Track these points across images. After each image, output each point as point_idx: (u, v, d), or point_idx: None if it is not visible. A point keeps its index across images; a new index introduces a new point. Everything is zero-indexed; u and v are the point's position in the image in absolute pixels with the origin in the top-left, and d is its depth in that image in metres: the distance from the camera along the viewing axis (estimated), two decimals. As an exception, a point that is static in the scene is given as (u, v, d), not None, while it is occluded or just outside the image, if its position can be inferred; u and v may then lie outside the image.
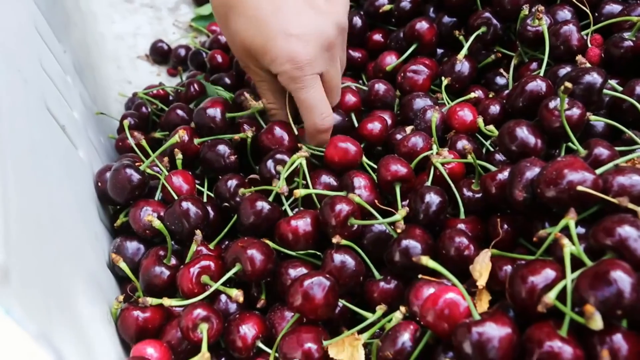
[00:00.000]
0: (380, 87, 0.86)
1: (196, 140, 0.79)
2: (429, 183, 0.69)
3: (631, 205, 0.50)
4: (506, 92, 0.77)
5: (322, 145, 0.76)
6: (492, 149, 0.74)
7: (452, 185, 0.67)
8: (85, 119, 0.87)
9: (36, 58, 0.71)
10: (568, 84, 0.56)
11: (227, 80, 1.05)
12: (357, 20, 0.98)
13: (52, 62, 0.78)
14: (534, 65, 0.79)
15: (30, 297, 0.43)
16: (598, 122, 0.64)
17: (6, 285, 0.39)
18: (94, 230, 0.71)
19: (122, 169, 0.72)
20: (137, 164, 0.75)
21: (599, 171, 0.54)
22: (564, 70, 0.72)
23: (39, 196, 0.54)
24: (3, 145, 0.49)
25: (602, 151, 0.57)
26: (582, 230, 0.55)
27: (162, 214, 0.71)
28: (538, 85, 0.66)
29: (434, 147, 0.71)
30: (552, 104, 0.61)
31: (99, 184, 0.75)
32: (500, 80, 0.83)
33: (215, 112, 0.78)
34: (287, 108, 0.77)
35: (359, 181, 0.69)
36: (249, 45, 0.71)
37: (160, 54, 1.27)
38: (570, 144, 0.62)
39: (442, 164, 0.68)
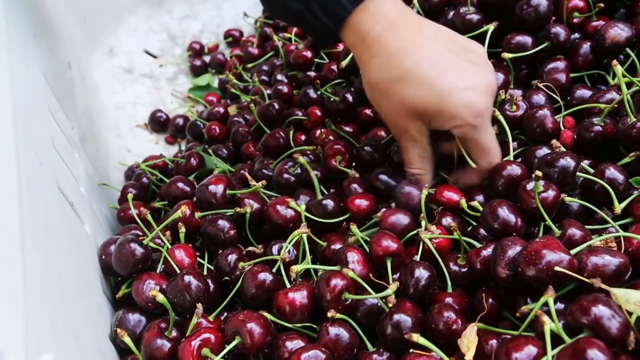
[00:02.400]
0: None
1: (197, 214, 0.84)
2: (418, 257, 0.73)
3: (603, 286, 0.54)
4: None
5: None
6: (475, 224, 0.79)
7: (439, 259, 0.71)
8: (90, 191, 0.91)
9: (49, 139, 0.76)
10: (539, 173, 0.62)
11: (225, 152, 1.11)
12: (349, 97, 1.05)
13: (62, 140, 0.83)
14: (515, 144, 0.85)
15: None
16: (573, 202, 0.69)
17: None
18: (97, 302, 0.74)
19: (127, 244, 0.76)
20: (140, 237, 0.78)
21: (574, 251, 0.59)
22: (541, 151, 0.78)
23: (49, 273, 0.58)
24: (23, 227, 0.53)
25: (575, 232, 0.63)
26: (561, 305, 0.59)
27: (164, 286, 0.74)
28: (514, 169, 0.73)
29: (423, 223, 0.76)
30: (529, 186, 0.67)
31: (103, 257, 0.79)
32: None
33: (216, 188, 0.83)
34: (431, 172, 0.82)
35: (353, 256, 0.72)
36: (423, 107, 0.75)
37: (158, 123, 1.33)
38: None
39: (430, 239, 0.73)
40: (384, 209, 0.80)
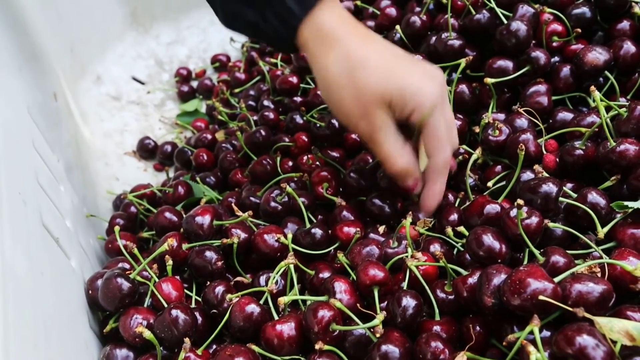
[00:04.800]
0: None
1: (184, 246, 0.83)
2: (405, 285, 0.73)
3: (587, 315, 0.55)
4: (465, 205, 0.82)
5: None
6: (461, 249, 0.79)
7: (426, 287, 0.71)
8: (76, 224, 0.91)
9: (33, 175, 0.76)
10: (520, 201, 0.62)
11: (213, 179, 1.11)
12: (335, 122, 1.06)
13: (47, 174, 0.83)
14: (499, 167, 0.85)
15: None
16: (556, 227, 0.70)
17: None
18: (84, 338, 0.74)
19: (113, 278, 0.75)
20: (126, 272, 0.78)
21: (558, 279, 0.60)
22: (525, 175, 0.79)
23: (33, 315, 0.57)
24: (5, 269, 0.53)
25: (558, 259, 0.63)
26: (547, 333, 0.59)
27: (151, 321, 0.74)
28: (493, 207, 0.75)
29: (409, 250, 0.76)
30: (512, 213, 0.67)
31: (90, 292, 0.78)
32: (470, 181, 0.89)
33: (203, 220, 0.83)
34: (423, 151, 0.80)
35: (340, 286, 0.72)
36: (384, 89, 0.75)
37: (147, 151, 1.33)
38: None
39: (417, 267, 0.73)
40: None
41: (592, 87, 0.75)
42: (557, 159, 0.81)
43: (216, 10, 0.83)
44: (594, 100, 0.88)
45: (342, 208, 0.88)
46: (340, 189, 0.94)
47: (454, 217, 0.80)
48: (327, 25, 0.76)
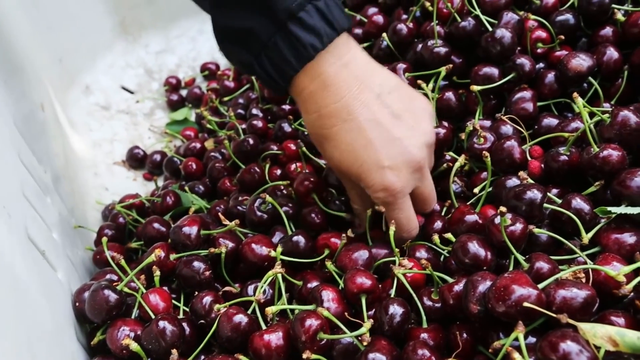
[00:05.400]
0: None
1: (172, 256, 0.83)
2: (392, 292, 0.73)
3: (571, 321, 0.55)
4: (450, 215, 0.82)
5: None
6: (447, 256, 0.79)
7: (413, 294, 0.71)
8: (64, 235, 0.90)
9: (19, 187, 0.75)
10: (503, 209, 0.63)
11: (201, 188, 1.11)
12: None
13: (33, 186, 0.83)
14: (485, 174, 0.86)
15: None
16: (541, 233, 0.70)
17: None
18: (71, 350, 0.74)
19: (100, 290, 0.75)
20: (114, 283, 0.78)
21: (542, 285, 0.60)
22: (511, 181, 0.79)
23: (17, 326, 0.57)
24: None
25: (542, 265, 0.63)
26: (533, 339, 0.59)
27: (139, 333, 0.74)
28: (474, 218, 0.77)
29: (396, 258, 0.76)
30: (497, 220, 0.68)
31: (77, 304, 0.78)
32: (455, 188, 0.90)
33: (190, 230, 0.83)
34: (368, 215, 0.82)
35: (327, 294, 0.72)
36: (345, 171, 0.78)
37: (136, 160, 1.33)
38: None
39: (404, 274, 0.73)
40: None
41: (575, 94, 0.75)
42: (542, 165, 0.81)
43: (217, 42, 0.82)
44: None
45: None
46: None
47: (439, 225, 0.81)
48: (308, 91, 0.75)
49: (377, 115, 0.75)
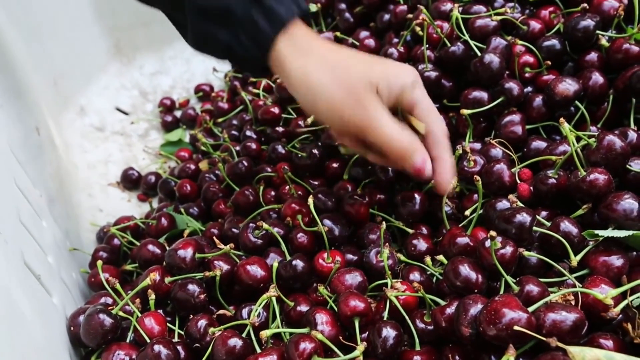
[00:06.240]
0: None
1: (167, 279, 0.84)
2: (385, 315, 0.74)
3: (560, 344, 0.56)
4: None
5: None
6: (440, 278, 0.80)
7: (406, 317, 0.72)
8: (59, 258, 0.90)
9: (15, 213, 0.76)
10: (493, 233, 0.64)
11: (196, 210, 1.12)
12: (316, 152, 1.07)
13: (29, 210, 0.83)
14: (475, 197, 0.87)
15: None
16: (531, 256, 0.72)
17: None
18: (66, 375, 0.74)
19: (95, 314, 0.75)
20: (109, 307, 0.78)
21: (532, 308, 0.61)
22: (501, 204, 0.81)
23: (12, 353, 0.57)
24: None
25: (532, 288, 0.65)
26: (524, 363, 0.61)
27: (134, 357, 0.74)
28: (465, 240, 0.78)
29: (388, 281, 0.77)
30: (487, 244, 0.69)
31: (72, 328, 0.78)
32: (447, 209, 0.91)
33: (185, 253, 0.83)
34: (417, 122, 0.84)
35: (321, 317, 0.73)
36: (374, 77, 0.79)
37: (130, 181, 1.34)
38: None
39: (397, 297, 0.74)
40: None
41: (562, 119, 0.77)
42: (531, 188, 0.83)
43: (184, 32, 0.85)
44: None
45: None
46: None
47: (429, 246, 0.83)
48: (300, 39, 0.81)
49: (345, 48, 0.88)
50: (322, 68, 0.80)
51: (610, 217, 0.71)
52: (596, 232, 0.70)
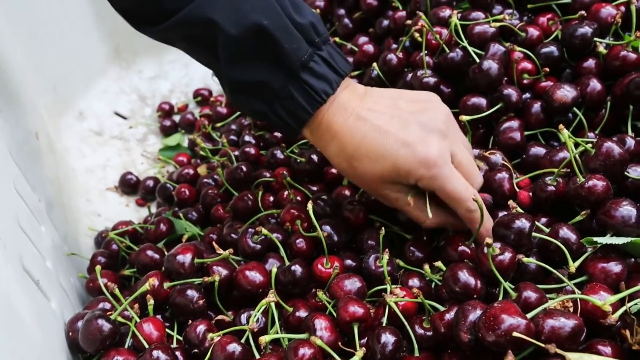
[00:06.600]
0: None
1: (166, 285, 0.84)
2: (384, 320, 0.74)
3: (559, 351, 0.56)
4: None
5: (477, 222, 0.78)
6: (439, 283, 0.81)
7: (405, 323, 0.72)
8: (57, 263, 0.90)
9: (14, 217, 0.76)
10: (489, 240, 0.66)
11: (195, 215, 1.12)
12: (314, 157, 1.08)
13: (28, 215, 0.83)
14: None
15: None
16: (530, 262, 0.72)
17: None
18: (64, 381, 0.74)
19: (94, 320, 0.75)
20: (107, 312, 0.78)
21: (531, 314, 0.61)
22: (501, 213, 0.81)
23: (12, 357, 0.57)
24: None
25: (530, 294, 0.65)
26: (522, 369, 0.61)
27: (132, 363, 0.74)
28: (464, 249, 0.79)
29: (387, 286, 0.77)
30: (486, 250, 0.69)
31: (70, 334, 0.78)
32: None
33: (184, 258, 0.83)
34: (428, 209, 0.80)
35: (320, 323, 0.73)
36: (382, 174, 0.79)
37: (129, 186, 1.34)
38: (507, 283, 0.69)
39: (396, 302, 0.74)
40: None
41: (561, 126, 0.77)
42: (531, 194, 0.83)
43: (226, 94, 0.85)
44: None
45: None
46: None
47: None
48: (324, 120, 0.80)
49: (387, 107, 0.80)
50: (340, 158, 0.82)
51: (608, 223, 0.71)
52: (595, 239, 0.70)
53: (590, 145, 0.78)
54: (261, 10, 0.74)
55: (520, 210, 0.78)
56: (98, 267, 0.86)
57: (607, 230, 0.72)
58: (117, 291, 0.81)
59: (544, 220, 0.81)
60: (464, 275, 0.70)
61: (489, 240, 0.66)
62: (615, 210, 0.71)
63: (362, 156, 0.79)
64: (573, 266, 0.70)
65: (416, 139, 0.77)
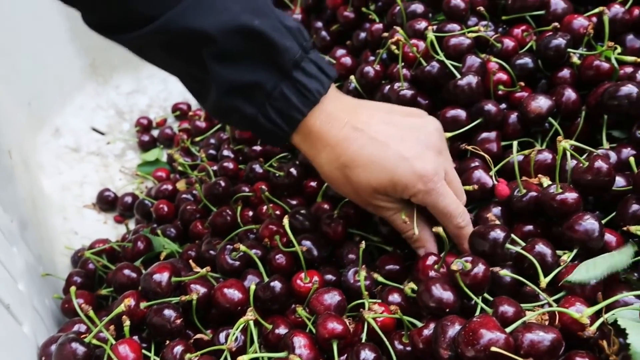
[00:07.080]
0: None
1: (142, 305, 0.82)
2: (364, 336, 0.74)
3: (537, 365, 0.56)
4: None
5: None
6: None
7: (384, 339, 0.72)
8: (30, 285, 0.88)
9: (-16, 240, 0.74)
10: (455, 267, 0.67)
11: (173, 231, 1.10)
12: (293, 171, 1.07)
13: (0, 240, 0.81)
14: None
15: None
16: (506, 275, 0.72)
17: None
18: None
19: (67, 344, 0.73)
20: (82, 335, 0.76)
21: (510, 329, 0.61)
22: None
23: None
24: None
25: (507, 309, 0.65)
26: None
27: (107, 386, 0.72)
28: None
29: (365, 302, 0.77)
30: (456, 266, 0.68)
31: (43, 358, 0.76)
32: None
33: (161, 277, 0.82)
34: (415, 224, 0.81)
35: (299, 341, 0.72)
36: (378, 185, 0.78)
37: (106, 202, 1.32)
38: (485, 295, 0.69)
39: (374, 319, 0.73)
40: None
41: (559, 138, 0.78)
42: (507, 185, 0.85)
43: (205, 103, 0.83)
44: (541, 143, 0.93)
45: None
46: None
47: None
48: (315, 129, 0.79)
49: (383, 121, 0.81)
50: (333, 167, 0.81)
51: (573, 238, 0.72)
52: (563, 257, 0.72)
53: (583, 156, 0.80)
54: (251, 11, 0.73)
55: (498, 222, 0.78)
56: (73, 288, 0.84)
57: (573, 245, 0.73)
58: (91, 313, 0.79)
59: (529, 227, 0.81)
60: (438, 290, 0.69)
61: (454, 266, 0.67)
62: (579, 225, 0.72)
63: (358, 166, 0.78)
64: (544, 281, 0.69)
65: (414, 154, 0.78)
